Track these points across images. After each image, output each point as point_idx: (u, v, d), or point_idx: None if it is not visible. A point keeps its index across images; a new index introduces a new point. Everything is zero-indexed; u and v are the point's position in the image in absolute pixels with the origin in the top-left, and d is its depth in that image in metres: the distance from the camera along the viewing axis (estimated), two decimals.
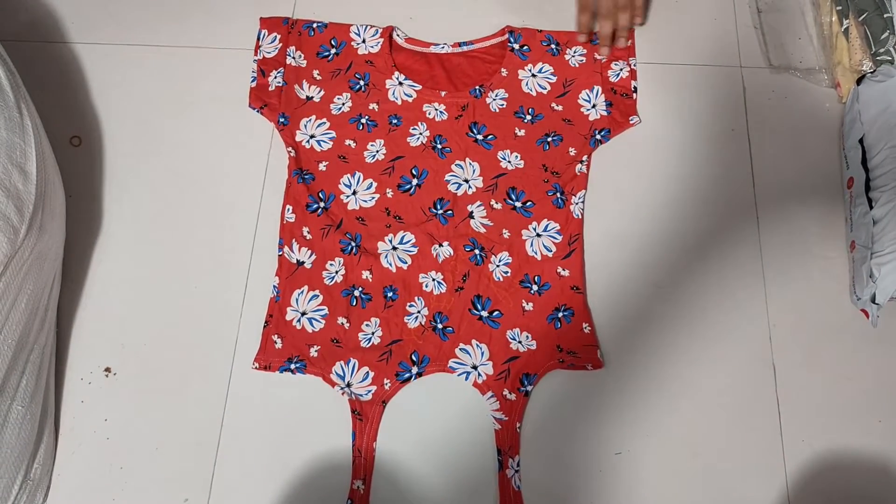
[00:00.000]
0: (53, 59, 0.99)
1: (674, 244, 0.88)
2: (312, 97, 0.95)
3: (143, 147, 0.94)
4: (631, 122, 0.93)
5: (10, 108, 0.79)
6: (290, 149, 0.92)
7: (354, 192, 0.90)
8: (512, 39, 0.97)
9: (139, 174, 0.92)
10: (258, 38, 0.99)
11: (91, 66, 0.99)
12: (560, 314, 0.84)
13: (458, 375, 0.82)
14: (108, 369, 0.83)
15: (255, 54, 0.98)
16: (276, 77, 0.96)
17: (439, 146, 0.92)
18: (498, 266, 0.86)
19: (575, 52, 0.97)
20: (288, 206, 0.90)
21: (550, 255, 0.87)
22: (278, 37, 0.99)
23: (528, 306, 0.85)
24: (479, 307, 0.84)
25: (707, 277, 0.86)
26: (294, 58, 0.97)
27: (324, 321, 0.84)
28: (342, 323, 0.84)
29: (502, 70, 0.96)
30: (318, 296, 0.85)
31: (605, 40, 0.94)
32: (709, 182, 0.91)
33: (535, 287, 0.85)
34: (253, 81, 0.96)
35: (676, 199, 0.90)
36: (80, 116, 0.96)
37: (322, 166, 0.92)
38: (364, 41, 0.98)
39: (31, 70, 0.95)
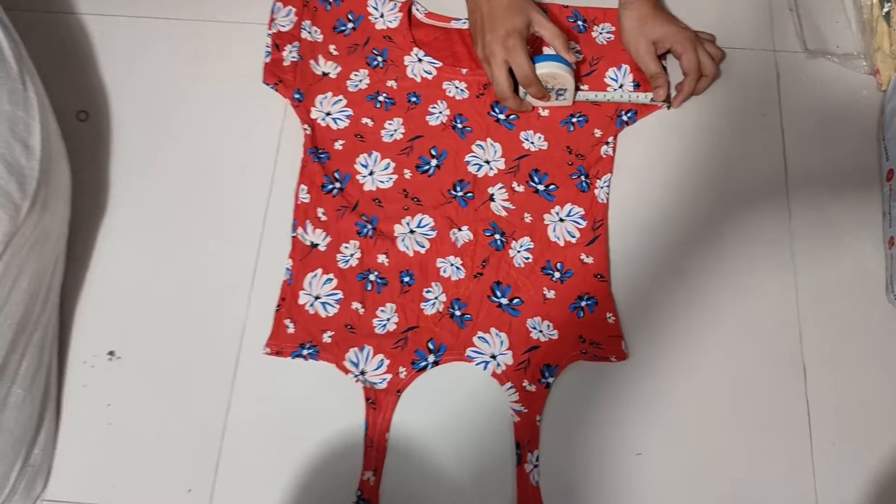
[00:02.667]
0: (61, 30, 0.96)
1: (701, 233, 0.84)
2: (328, 73, 0.92)
3: (151, 123, 0.91)
4: (658, 104, 0.89)
5: (13, 79, 0.75)
6: (305, 126, 0.89)
7: (371, 173, 0.87)
8: None
9: (147, 151, 0.89)
10: (272, 12, 0.95)
11: (99, 38, 0.95)
12: (583, 303, 0.81)
13: (476, 365, 0.79)
14: (111, 353, 0.80)
15: (270, 28, 0.94)
16: (290, 52, 0.92)
17: (460, 125, 0.89)
18: (519, 252, 0.83)
19: (602, 30, 0.93)
20: (303, 186, 0.86)
21: (574, 241, 0.83)
22: (293, 10, 0.95)
23: (550, 294, 0.81)
24: (499, 294, 0.81)
25: (735, 268, 0.83)
26: (310, 32, 0.93)
27: (338, 306, 0.81)
28: (357, 308, 0.81)
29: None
30: (332, 279, 0.82)
31: (678, 102, 0.89)
32: (738, 169, 0.87)
33: (557, 274, 0.82)
34: (267, 56, 0.93)
35: (704, 185, 0.86)
36: (87, 90, 0.92)
37: (338, 145, 0.88)
38: (382, 15, 0.94)
39: (37, 41, 0.92)
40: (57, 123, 0.83)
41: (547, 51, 0.89)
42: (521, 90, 0.86)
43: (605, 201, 0.85)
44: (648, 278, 0.82)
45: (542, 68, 0.83)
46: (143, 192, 0.87)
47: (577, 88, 0.88)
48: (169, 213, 0.86)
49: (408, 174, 0.87)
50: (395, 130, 0.89)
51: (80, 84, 0.93)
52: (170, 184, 0.88)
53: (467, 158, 0.87)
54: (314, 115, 0.90)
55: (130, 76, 0.93)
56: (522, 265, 0.82)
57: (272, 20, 0.95)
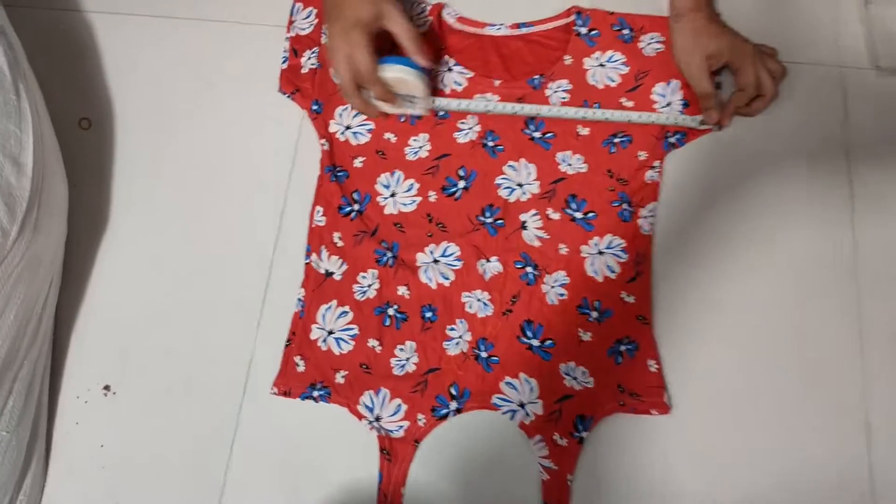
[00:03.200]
0: (66, 29, 0.89)
1: (757, 273, 0.76)
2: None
3: (157, 133, 0.84)
4: (708, 127, 0.80)
5: (5, 90, 0.69)
6: (323, 141, 0.82)
7: (393, 194, 0.80)
8: (579, 22, 0.85)
9: (152, 164, 0.83)
10: (291, 13, 0.88)
11: (106, 39, 0.89)
12: (622, 347, 0.73)
13: (503, 414, 0.72)
14: (107, 387, 0.74)
15: (288, 31, 0.87)
16: (309, 58, 0.85)
17: (490, 143, 0.81)
18: (553, 287, 0.75)
19: (651, 40, 0.84)
20: (318, 208, 0.79)
21: (613, 276, 0.75)
22: (314, 11, 0.87)
23: (586, 336, 0.73)
24: (530, 334, 0.74)
25: (795, 315, 0.74)
26: None
27: (353, 342, 0.74)
28: (373, 346, 0.74)
29: (566, 57, 0.84)
30: (347, 312, 0.75)
31: (726, 118, 0.80)
32: (799, 200, 0.79)
33: (594, 314, 0.74)
34: (284, 62, 0.86)
35: (758, 214, 0.78)
36: (90, 96, 0.86)
37: (358, 162, 0.81)
38: (410, 19, 0.86)
39: (40, 40, 0.86)
40: (54, 134, 0.77)
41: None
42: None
43: (649, 233, 0.77)
44: (697, 322, 0.74)
45: (387, 71, 0.75)
46: (146, 208, 0.81)
47: (432, 95, 0.80)
48: (173, 233, 0.80)
49: (433, 196, 0.79)
50: (421, 147, 0.81)
51: (84, 89, 0.86)
52: (175, 201, 0.81)
53: (498, 181, 0.79)
54: (333, 128, 0.82)
55: (136, 80, 0.86)
56: (556, 302, 0.75)
57: (291, 23, 0.87)
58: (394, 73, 0.75)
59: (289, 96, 0.84)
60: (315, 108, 0.83)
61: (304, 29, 0.87)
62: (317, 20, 0.87)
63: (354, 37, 0.73)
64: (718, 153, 0.80)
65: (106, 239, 0.80)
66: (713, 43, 0.77)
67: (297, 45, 0.86)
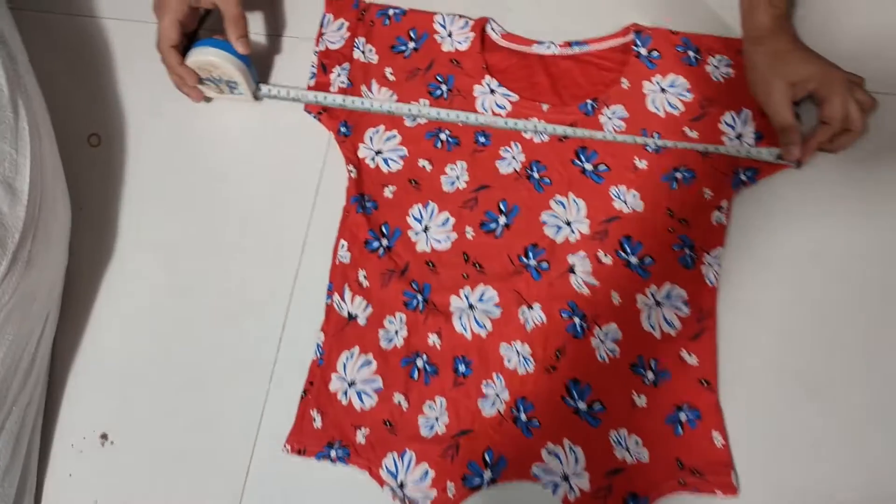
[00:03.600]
0: (77, 35, 0.83)
1: (838, 334, 0.66)
2: (375, 99, 0.76)
3: (172, 153, 0.77)
4: (787, 163, 0.71)
5: (1, 107, 0.62)
6: (350, 167, 0.74)
7: (426, 229, 0.72)
8: (638, 42, 0.76)
9: (165, 186, 0.76)
10: (321, 24, 0.80)
11: (120, 47, 0.82)
12: (682, 416, 0.64)
13: (544, 488, 0.63)
14: (104, 436, 0.67)
15: (317, 44, 0.80)
16: (339, 75, 0.78)
17: (536, 175, 0.73)
18: (603, 342, 0.67)
19: (719, 63, 0.75)
20: (343, 242, 0.72)
21: (673, 333, 0.67)
22: (346, 24, 0.80)
23: (640, 401, 0.65)
24: (576, 395, 0.65)
25: (882, 388, 0.64)
26: (363, 51, 0.78)
27: (376, 396, 0.66)
28: (399, 401, 0.66)
29: (623, 81, 0.75)
30: (371, 362, 0.67)
31: (807, 154, 0.71)
32: (889, 251, 0.69)
33: (650, 375, 0.65)
34: (311, 79, 0.78)
35: (844, 270, 0.68)
36: (101, 109, 0.80)
37: (388, 192, 0.73)
38: (450, 35, 0.79)
39: (49, 47, 0.80)
40: (58, 153, 0.70)
41: None
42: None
43: (714, 284, 0.68)
44: (770, 390, 0.65)
45: (197, 54, 0.71)
46: (156, 235, 0.74)
47: (256, 85, 0.76)
48: (183, 263, 0.73)
49: (470, 233, 0.71)
50: (458, 177, 0.73)
51: (95, 101, 0.80)
52: (186, 228, 0.74)
53: (544, 217, 0.71)
54: (363, 153, 0.75)
55: (151, 93, 0.79)
56: (607, 360, 0.66)
57: (320, 35, 0.80)
58: (203, 56, 0.71)
59: (315, 116, 0.77)
60: (343, 130, 0.76)
61: (334, 42, 0.79)
62: (349, 33, 0.79)
63: (170, 4, 0.69)
64: (796, 193, 0.71)
65: (111, 270, 0.73)
66: (799, 69, 0.68)
67: (327, 60, 0.79)
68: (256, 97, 0.76)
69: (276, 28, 0.81)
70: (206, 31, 0.77)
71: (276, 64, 0.80)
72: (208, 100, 0.77)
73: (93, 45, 0.82)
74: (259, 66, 0.78)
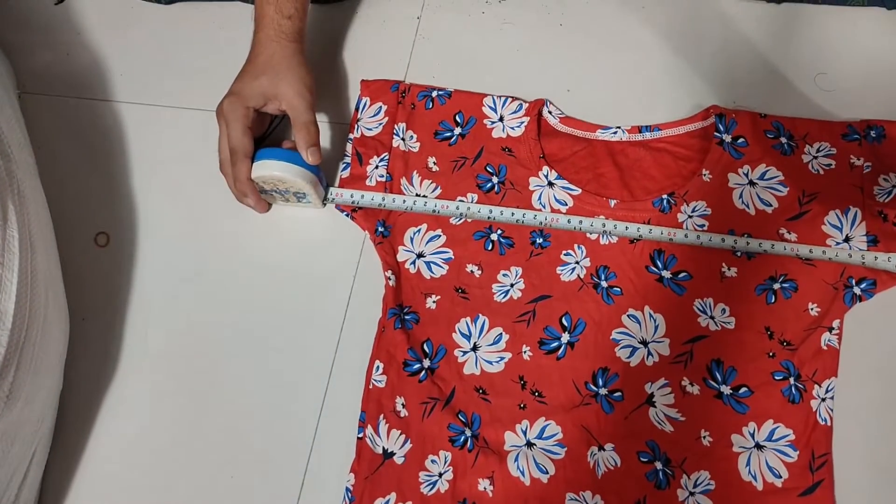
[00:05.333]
0: (86, 119, 0.75)
1: None
2: (426, 197, 0.67)
3: (186, 253, 0.69)
4: None
5: None
6: (388, 273, 0.64)
7: (475, 348, 0.61)
8: (721, 126, 0.65)
9: (178, 294, 0.67)
10: (357, 109, 0.71)
11: (135, 134, 0.74)
12: None
13: None
14: None
15: (352, 131, 0.70)
16: (377, 167, 0.68)
17: (604, 284, 0.62)
18: (692, 494, 0.55)
19: (818, 152, 0.64)
20: (378, 364, 0.61)
21: (779, 483, 0.55)
22: (384, 108, 0.71)
23: None
24: None
25: None
26: (404, 139, 0.69)
27: None
28: None
29: (704, 172, 0.64)
30: None
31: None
32: None
33: None
34: (345, 170, 0.69)
35: None
36: (112, 203, 0.71)
37: (431, 302, 0.63)
38: (501, 119, 0.69)
39: (61, 134, 0.72)
40: (58, 261, 0.62)
41: None
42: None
43: (828, 423, 0.56)
44: None
45: (261, 169, 0.63)
46: (164, 355, 0.65)
47: (325, 190, 0.68)
48: (193, 391, 0.63)
49: (527, 353, 0.60)
50: (512, 286, 0.63)
51: (106, 193, 0.72)
52: (200, 341, 0.65)
53: (615, 336, 0.60)
54: (402, 256, 0.65)
55: (166, 186, 0.71)
56: None
57: (355, 120, 0.71)
58: (267, 171, 0.62)
59: (348, 215, 0.67)
60: (381, 230, 0.66)
61: (371, 129, 0.70)
62: (386, 119, 0.70)
63: (235, 111, 0.63)
64: None
65: (112, 391, 0.64)
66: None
67: (362, 149, 0.70)
68: (324, 203, 0.68)
69: None
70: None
71: None
72: (267, 207, 0.69)
73: (107, 132, 0.75)
74: None
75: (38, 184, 0.65)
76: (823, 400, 0.56)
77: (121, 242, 0.70)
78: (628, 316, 0.61)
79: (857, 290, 0.59)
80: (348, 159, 0.70)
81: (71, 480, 0.61)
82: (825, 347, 0.58)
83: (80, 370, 0.64)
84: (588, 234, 0.64)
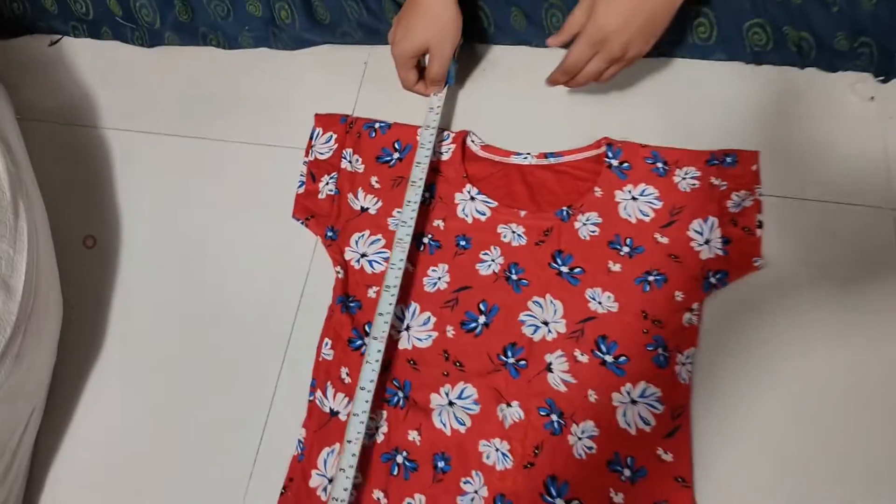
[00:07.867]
0: (82, 144, 0.87)
1: (810, 434, 0.67)
2: (368, 208, 0.80)
3: (164, 254, 0.81)
4: (754, 265, 0.74)
5: (3, 209, 0.66)
6: (337, 268, 0.77)
7: (408, 328, 0.74)
8: (610, 154, 0.81)
9: (155, 286, 0.79)
10: (311, 137, 0.85)
11: (121, 155, 0.87)
12: None
13: None
14: None
15: (307, 155, 0.84)
16: (327, 183, 0.82)
17: (515, 277, 0.75)
18: (580, 439, 0.68)
19: (686, 174, 0.80)
20: (326, 340, 0.73)
21: (649, 430, 0.68)
22: (334, 136, 0.85)
23: (618, 498, 0.65)
24: (554, 493, 0.66)
25: (861, 481, 0.65)
26: (350, 161, 0.83)
27: (356, 493, 0.66)
28: (378, 498, 0.66)
29: (596, 189, 0.79)
30: None
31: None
32: (855, 356, 0.71)
33: (627, 472, 0.66)
34: (301, 186, 0.82)
35: (813, 373, 0.70)
36: (99, 213, 0.83)
37: (372, 292, 0.76)
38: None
39: (51, 154, 0.84)
40: (55, 253, 0.73)
41: None
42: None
43: (687, 382, 0.70)
44: (745, 488, 0.66)
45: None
46: (144, 335, 0.76)
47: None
48: (169, 364, 0.75)
49: (450, 332, 0.73)
50: (440, 279, 0.76)
51: (93, 204, 0.83)
52: (174, 328, 0.77)
53: (522, 317, 0.73)
54: (348, 255, 0.78)
55: (147, 199, 0.83)
56: (584, 456, 0.67)
57: (310, 146, 0.85)
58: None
59: (302, 223, 0.80)
60: (330, 234, 0.79)
61: (323, 154, 0.84)
62: (336, 145, 0.84)
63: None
64: (761, 297, 0.74)
65: (97, 369, 0.74)
66: None
67: (316, 170, 0.83)
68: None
69: (264, 139, 0.86)
70: None
71: (266, 171, 0.84)
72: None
73: (94, 154, 0.87)
74: (252, 172, 0.82)
75: (38, 192, 0.77)
76: (684, 364, 0.70)
77: (106, 246, 0.81)
78: (533, 302, 0.75)
79: (712, 280, 0.74)
80: (303, 179, 0.83)
81: (60, 441, 0.71)
82: (687, 325, 0.72)
83: (70, 350, 0.74)
84: (501, 237, 0.78)
